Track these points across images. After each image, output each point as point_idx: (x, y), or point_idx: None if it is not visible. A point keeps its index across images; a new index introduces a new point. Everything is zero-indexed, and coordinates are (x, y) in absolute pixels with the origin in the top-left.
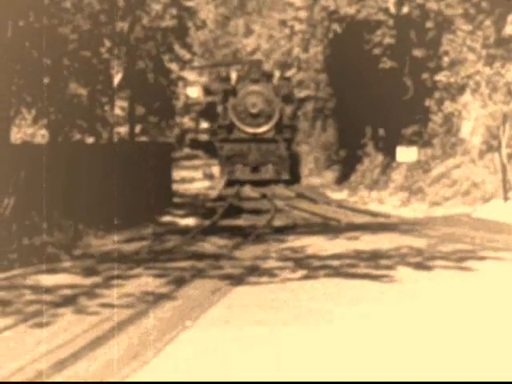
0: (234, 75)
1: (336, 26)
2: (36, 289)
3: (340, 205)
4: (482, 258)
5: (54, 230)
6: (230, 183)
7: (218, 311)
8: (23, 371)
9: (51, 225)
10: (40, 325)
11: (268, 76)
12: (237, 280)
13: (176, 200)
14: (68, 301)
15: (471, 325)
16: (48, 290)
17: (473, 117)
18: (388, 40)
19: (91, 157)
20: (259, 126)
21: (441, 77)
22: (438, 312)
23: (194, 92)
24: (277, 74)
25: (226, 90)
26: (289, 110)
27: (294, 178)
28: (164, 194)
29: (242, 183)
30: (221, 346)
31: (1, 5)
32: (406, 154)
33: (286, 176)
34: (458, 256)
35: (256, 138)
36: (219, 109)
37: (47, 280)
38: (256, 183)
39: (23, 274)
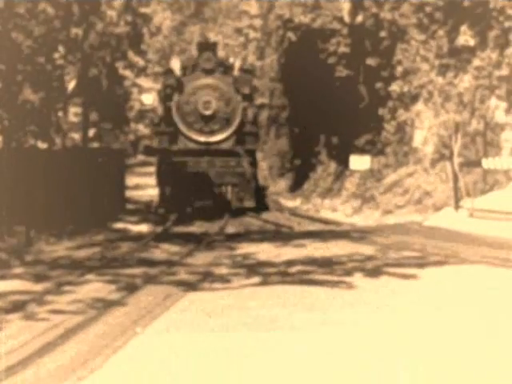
0: (176, 65)
1: (291, 35)
2: None
3: (293, 212)
4: (429, 265)
5: (4, 236)
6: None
7: (169, 317)
8: None
9: (2, 230)
10: None
11: (226, 66)
12: (189, 286)
13: (129, 207)
14: (17, 307)
15: (409, 328)
16: None
17: (425, 126)
18: (343, 49)
19: (44, 163)
20: (214, 133)
21: (394, 86)
22: (386, 319)
23: (149, 99)
24: (237, 63)
25: (167, 85)
26: (250, 112)
27: (260, 204)
28: (117, 200)
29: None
30: (170, 354)
31: None
32: (359, 162)
33: (250, 202)
34: (408, 263)
35: (209, 150)
36: (160, 110)
37: None
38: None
39: None
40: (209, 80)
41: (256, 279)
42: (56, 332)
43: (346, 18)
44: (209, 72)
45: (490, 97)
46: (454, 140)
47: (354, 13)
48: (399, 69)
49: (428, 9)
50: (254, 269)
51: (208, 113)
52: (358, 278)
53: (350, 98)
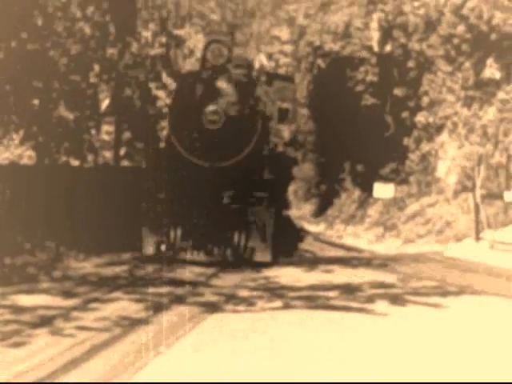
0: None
1: (320, 61)
2: (14, 308)
3: (316, 237)
4: (450, 295)
5: (36, 251)
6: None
7: (192, 338)
8: None
9: (34, 245)
10: (17, 345)
11: (243, 64)
12: (214, 307)
13: None
14: (45, 322)
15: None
16: (26, 310)
17: (449, 157)
18: (370, 77)
19: (76, 179)
20: (222, 157)
21: (420, 117)
22: (415, 345)
23: None
24: (263, 59)
25: (175, 89)
26: (287, 131)
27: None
28: None
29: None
30: (193, 373)
31: None
32: (382, 190)
33: (264, 256)
34: (428, 292)
35: (215, 180)
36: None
37: (26, 300)
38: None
39: (2, 293)
40: (221, 83)
41: (279, 302)
42: (82, 348)
43: (375, 47)
44: (218, 71)
45: None
46: (477, 172)
47: (382, 42)
48: (425, 99)
49: (455, 41)
50: (277, 292)
51: (214, 127)
52: (382, 306)
53: (375, 126)
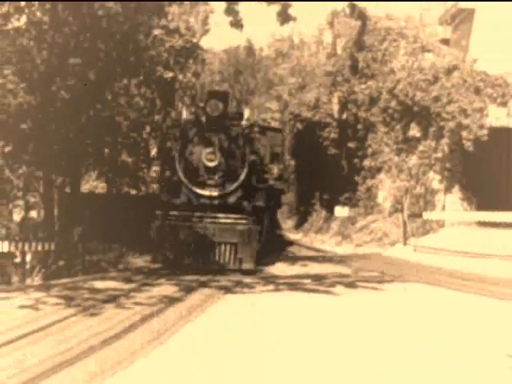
0: (184, 114)
1: (299, 124)
2: (91, 290)
3: (295, 243)
4: (386, 282)
5: (106, 251)
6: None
7: (213, 309)
8: (80, 346)
9: (105, 247)
10: (93, 314)
11: (235, 115)
12: (227, 290)
13: None
14: (112, 299)
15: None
16: (99, 291)
17: (385, 188)
18: (333, 135)
19: (134, 203)
20: (218, 186)
21: (366, 162)
22: (364, 315)
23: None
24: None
25: (173, 134)
26: (276, 169)
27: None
28: None
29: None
30: (221, 332)
31: (74, 98)
32: (341, 211)
33: (249, 264)
34: (371, 279)
35: (213, 205)
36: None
37: (99, 284)
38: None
39: (83, 280)
40: (215, 130)
41: (272, 286)
42: (137, 317)
43: (336, 115)
44: (216, 121)
45: (429, 171)
46: (404, 199)
47: (340, 112)
48: (369, 150)
49: (390, 111)
50: (269, 279)
51: (212, 164)
52: (341, 288)
53: (336, 168)
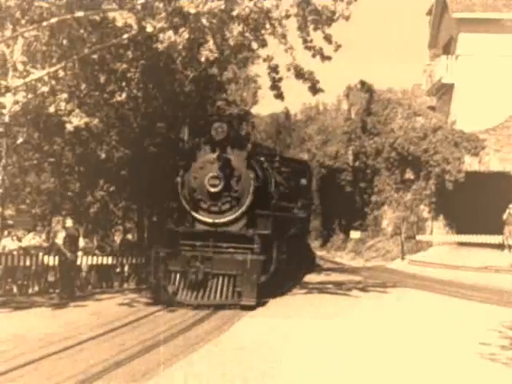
0: (185, 134)
1: (323, 170)
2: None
3: (321, 258)
4: (389, 287)
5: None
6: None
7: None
8: (166, 332)
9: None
10: (171, 311)
11: (240, 139)
12: None
13: None
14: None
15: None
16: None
17: (388, 217)
18: (348, 178)
19: None
20: (222, 213)
21: (373, 198)
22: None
23: None
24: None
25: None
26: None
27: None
28: None
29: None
30: (268, 327)
31: (160, 152)
32: (354, 234)
33: (248, 299)
34: (378, 285)
35: (216, 233)
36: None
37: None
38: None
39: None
40: (219, 153)
41: (304, 290)
42: (203, 313)
43: (350, 163)
44: (220, 145)
45: (420, 204)
46: (402, 225)
47: (354, 160)
48: (376, 189)
49: (391, 160)
50: (302, 285)
51: (215, 190)
52: (356, 292)
53: (351, 202)
